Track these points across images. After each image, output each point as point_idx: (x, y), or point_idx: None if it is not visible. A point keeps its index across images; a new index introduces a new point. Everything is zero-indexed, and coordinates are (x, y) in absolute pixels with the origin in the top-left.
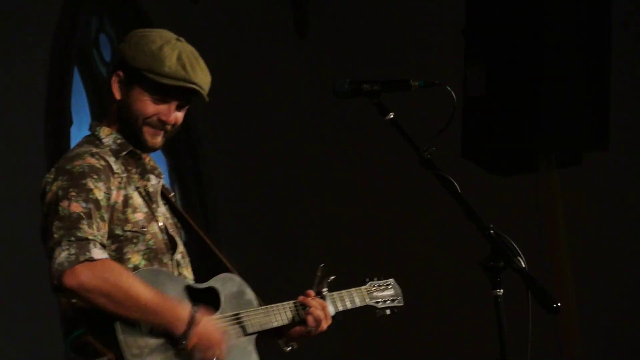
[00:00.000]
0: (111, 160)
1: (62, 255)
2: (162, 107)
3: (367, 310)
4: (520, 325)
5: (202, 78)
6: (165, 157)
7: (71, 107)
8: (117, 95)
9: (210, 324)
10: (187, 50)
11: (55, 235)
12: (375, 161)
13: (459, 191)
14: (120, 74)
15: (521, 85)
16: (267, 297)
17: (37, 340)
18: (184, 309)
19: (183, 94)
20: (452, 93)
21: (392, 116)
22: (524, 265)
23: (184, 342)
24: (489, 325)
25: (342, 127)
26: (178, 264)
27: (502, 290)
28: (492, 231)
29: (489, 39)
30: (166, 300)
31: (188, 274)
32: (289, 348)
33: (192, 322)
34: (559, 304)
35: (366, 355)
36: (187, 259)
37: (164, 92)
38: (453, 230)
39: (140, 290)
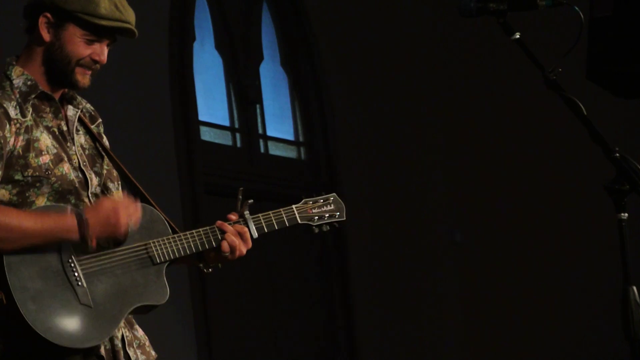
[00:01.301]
0: (10, 105)
1: None
2: (95, 47)
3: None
4: None
5: (132, 16)
6: (286, 74)
7: (194, 23)
8: (46, 37)
9: (96, 209)
10: None
11: None
12: (502, 94)
13: (585, 113)
14: (48, 15)
15: None
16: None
17: None
18: (68, 216)
19: (114, 33)
20: (580, 13)
21: (517, 36)
22: None
23: (89, 245)
24: (614, 249)
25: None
26: (97, 198)
27: (626, 214)
28: (617, 154)
29: None
30: (49, 218)
31: None
32: (210, 270)
33: (81, 222)
34: None
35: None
36: (115, 190)
37: (99, 33)
38: (578, 153)
39: (22, 220)
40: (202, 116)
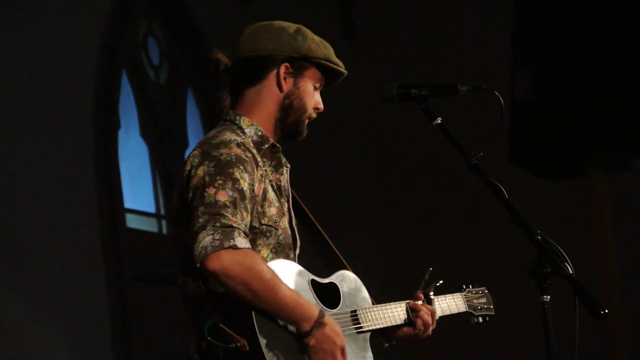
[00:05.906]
0: (254, 152)
1: (207, 239)
2: (317, 96)
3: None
4: (568, 332)
5: None
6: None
7: (119, 110)
8: (285, 87)
9: (335, 329)
10: None
11: (201, 220)
12: (421, 167)
13: (506, 196)
14: (287, 65)
15: (569, 90)
16: None
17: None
18: (314, 309)
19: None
20: (500, 98)
21: (439, 121)
22: (571, 272)
23: (306, 340)
24: (537, 331)
25: (388, 132)
26: (297, 258)
27: (549, 296)
28: (539, 237)
29: (538, 43)
30: (300, 298)
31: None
32: (388, 344)
33: (319, 322)
34: (606, 311)
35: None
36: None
37: (327, 81)
38: (500, 236)
39: (278, 284)
40: (128, 203)
